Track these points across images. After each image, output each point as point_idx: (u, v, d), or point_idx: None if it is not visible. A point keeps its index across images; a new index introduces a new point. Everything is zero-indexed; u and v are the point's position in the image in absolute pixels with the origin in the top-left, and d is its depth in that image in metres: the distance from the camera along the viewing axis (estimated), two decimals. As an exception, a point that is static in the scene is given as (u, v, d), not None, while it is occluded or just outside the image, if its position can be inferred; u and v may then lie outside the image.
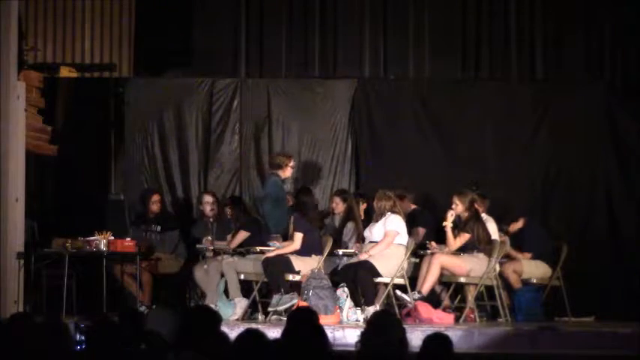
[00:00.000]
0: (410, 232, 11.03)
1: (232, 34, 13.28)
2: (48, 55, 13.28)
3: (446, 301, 11.19)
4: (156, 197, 12.09)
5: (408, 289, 10.71)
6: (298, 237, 10.96)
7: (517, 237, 11.61)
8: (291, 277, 10.86)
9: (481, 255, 10.84)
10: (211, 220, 11.79)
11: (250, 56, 13.29)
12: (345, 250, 11.19)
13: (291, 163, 11.64)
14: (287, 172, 11.64)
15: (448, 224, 10.90)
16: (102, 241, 10.74)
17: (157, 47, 13.27)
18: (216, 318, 5.64)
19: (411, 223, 11.31)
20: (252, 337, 5.20)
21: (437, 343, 5.58)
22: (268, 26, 13.26)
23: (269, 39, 13.26)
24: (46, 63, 13.03)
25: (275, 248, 11.09)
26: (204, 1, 13.28)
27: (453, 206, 10.94)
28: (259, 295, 11.28)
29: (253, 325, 10.01)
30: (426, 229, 11.57)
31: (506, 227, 11.59)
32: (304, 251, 10.97)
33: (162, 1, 13.27)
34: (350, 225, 11.51)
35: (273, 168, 11.69)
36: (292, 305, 10.45)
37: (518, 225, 11.68)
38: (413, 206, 11.73)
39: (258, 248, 11.19)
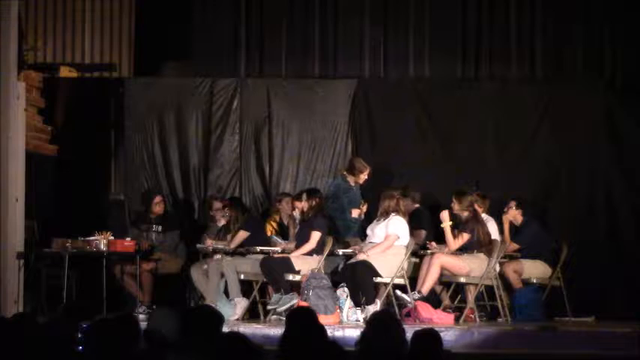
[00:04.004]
0: (411, 233, 11.02)
1: (232, 34, 13.28)
2: (48, 55, 13.30)
3: (446, 301, 11.19)
4: (158, 199, 12.11)
5: (408, 289, 10.70)
6: (316, 236, 10.95)
7: (516, 234, 11.60)
8: (291, 277, 10.86)
9: (481, 255, 10.83)
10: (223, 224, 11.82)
11: (250, 56, 13.29)
12: (344, 250, 11.19)
13: (365, 172, 11.55)
14: (359, 180, 11.53)
15: (446, 224, 10.89)
16: (102, 241, 10.74)
17: (156, 47, 13.28)
18: (218, 318, 5.64)
19: (413, 222, 11.29)
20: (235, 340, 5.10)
21: (425, 339, 5.57)
22: (268, 26, 13.26)
23: (269, 39, 13.26)
24: (46, 63, 13.04)
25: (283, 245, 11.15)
26: (204, 1, 13.29)
27: (452, 205, 10.94)
28: (259, 295, 11.30)
29: (251, 326, 10.09)
30: (427, 230, 11.55)
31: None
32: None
33: (162, 1, 13.28)
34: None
35: (346, 169, 11.66)
36: (292, 305, 10.44)
37: (512, 214, 11.60)
38: (416, 205, 11.71)
39: (259, 248, 11.19)
